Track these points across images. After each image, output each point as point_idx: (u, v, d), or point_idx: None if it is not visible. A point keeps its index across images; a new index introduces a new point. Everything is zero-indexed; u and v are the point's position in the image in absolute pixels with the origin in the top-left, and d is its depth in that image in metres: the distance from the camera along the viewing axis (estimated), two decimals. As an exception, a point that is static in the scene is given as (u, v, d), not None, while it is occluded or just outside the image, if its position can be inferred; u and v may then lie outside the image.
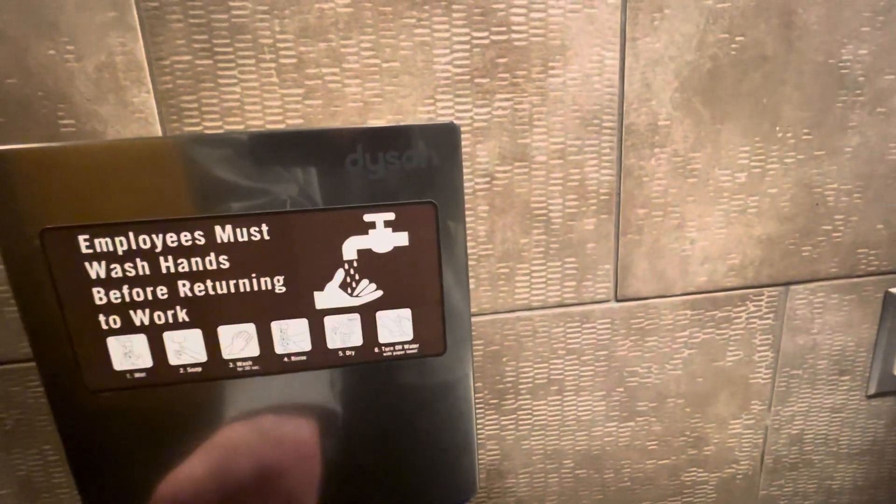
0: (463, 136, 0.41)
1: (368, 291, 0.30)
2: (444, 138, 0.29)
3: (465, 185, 0.43)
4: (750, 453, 0.56)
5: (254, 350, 0.30)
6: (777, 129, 0.45)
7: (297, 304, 0.30)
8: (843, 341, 0.53)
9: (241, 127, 0.39)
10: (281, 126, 0.40)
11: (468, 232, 0.44)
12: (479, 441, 0.49)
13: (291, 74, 0.39)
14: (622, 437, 0.52)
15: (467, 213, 0.43)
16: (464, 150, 0.42)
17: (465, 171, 0.42)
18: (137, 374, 0.30)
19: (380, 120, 0.40)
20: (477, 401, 0.48)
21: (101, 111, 0.37)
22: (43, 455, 0.44)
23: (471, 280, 0.45)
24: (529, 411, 0.50)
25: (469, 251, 0.44)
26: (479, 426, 0.49)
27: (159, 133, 0.38)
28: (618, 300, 0.48)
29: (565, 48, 0.41)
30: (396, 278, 0.30)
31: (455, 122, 0.39)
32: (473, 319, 0.45)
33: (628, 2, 0.41)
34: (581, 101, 0.42)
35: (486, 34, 0.40)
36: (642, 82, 0.43)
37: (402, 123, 0.40)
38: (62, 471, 0.44)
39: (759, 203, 0.47)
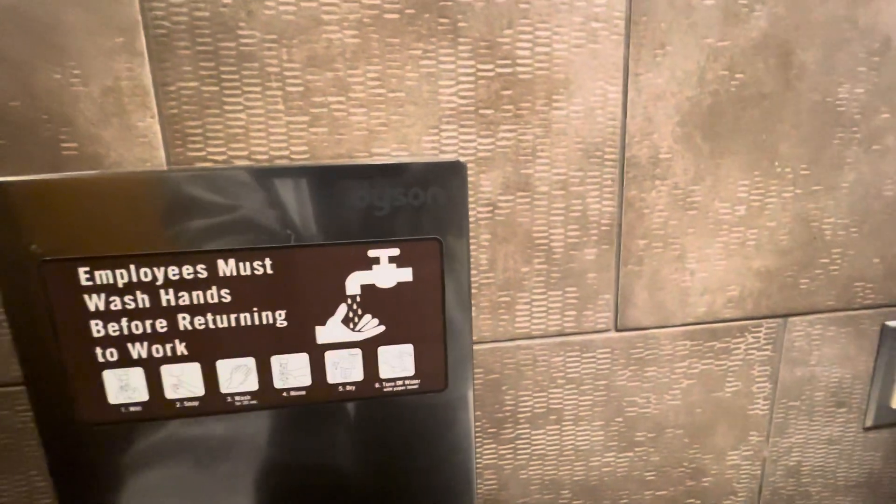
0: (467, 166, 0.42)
1: (371, 327, 0.30)
2: (451, 175, 0.29)
3: (469, 215, 0.43)
4: (748, 485, 0.55)
5: (253, 384, 0.30)
6: (776, 164, 0.46)
7: (298, 338, 0.29)
8: (841, 373, 0.53)
9: (245, 153, 0.39)
10: (285, 153, 0.40)
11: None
12: (477, 471, 0.49)
13: (297, 102, 0.39)
14: (620, 467, 0.52)
15: (469, 241, 0.43)
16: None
17: (468, 201, 0.42)
18: (133, 408, 0.29)
19: (384, 148, 0.41)
20: (475, 430, 0.47)
21: (105, 135, 0.37)
22: (30, 481, 0.43)
23: (472, 309, 0.44)
24: (528, 440, 0.49)
25: (470, 280, 0.44)
26: (477, 456, 0.48)
27: (163, 157, 0.38)
28: (618, 330, 0.48)
29: (569, 82, 0.41)
30: (399, 314, 0.30)
31: (460, 156, 0.40)
32: (473, 348, 0.45)
33: (631, 38, 0.41)
34: (584, 133, 0.43)
35: (491, 66, 0.40)
36: (644, 116, 0.43)
37: (408, 159, 0.40)
38: (49, 498, 0.43)
39: (758, 236, 0.47)
